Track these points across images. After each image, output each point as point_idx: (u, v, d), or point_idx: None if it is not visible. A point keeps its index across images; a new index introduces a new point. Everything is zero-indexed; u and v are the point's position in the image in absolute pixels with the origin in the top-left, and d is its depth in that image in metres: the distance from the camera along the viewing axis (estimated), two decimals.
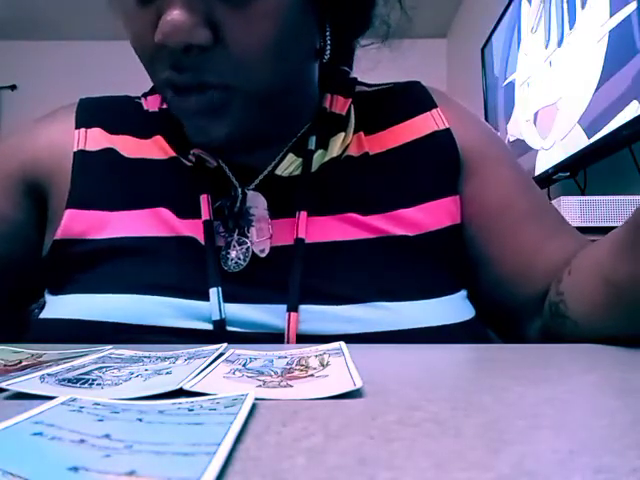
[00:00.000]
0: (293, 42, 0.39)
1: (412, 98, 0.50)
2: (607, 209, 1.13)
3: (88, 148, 0.47)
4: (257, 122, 0.42)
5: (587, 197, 1.16)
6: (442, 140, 0.47)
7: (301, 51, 0.42)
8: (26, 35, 3.38)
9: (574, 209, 1.13)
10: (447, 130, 0.47)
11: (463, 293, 0.45)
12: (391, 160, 0.47)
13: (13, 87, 3.43)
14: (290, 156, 0.44)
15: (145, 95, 0.51)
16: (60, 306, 0.42)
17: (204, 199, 0.43)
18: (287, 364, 0.26)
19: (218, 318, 0.38)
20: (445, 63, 3.35)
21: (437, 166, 0.47)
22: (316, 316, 0.39)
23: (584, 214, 1.13)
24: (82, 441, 0.14)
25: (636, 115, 1.03)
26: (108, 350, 0.30)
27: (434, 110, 0.48)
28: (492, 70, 1.98)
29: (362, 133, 0.48)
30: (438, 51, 3.34)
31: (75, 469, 0.12)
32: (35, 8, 3.06)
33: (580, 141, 1.26)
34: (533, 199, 0.48)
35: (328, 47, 0.44)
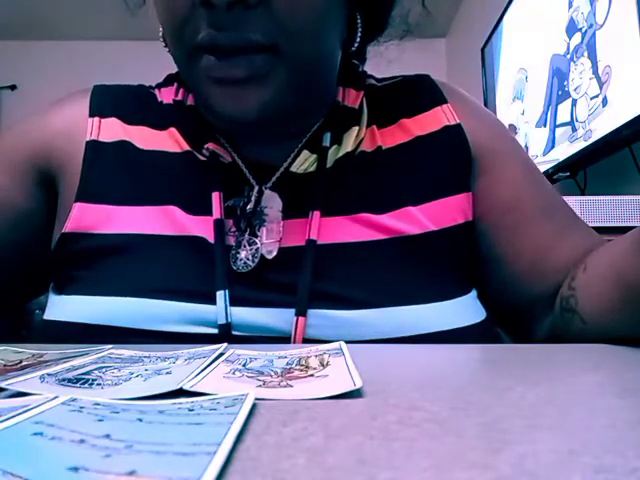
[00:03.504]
0: (329, 19, 0.39)
1: (422, 92, 0.49)
2: (607, 209, 1.13)
3: (102, 139, 0.46)
4: (292, 100, 0.40)
5: (587, 197, 1.16)
6: (454, 135, 0.47)
7: (333, 32, 0.41)
8: (26, 35, 3.38)
9: (574, 209, 1.13)
10: (458, 125, 0.47)
11: (474, 293, 0.44)
12: (403, 155, 0.46)
13: (13, 87, 3.43)
14: (305, 153, 0.44)
15: (159, 86, 0.50)
16: (65, 307, 0.41)
17: (216, 197, 0.42)
18: (287, 364, 0.26)
19: (224, 322, 0.38)
20: (445, 63, 3.34)
21: (450, 162, 0.46)
22: (325, 321, 0.38)
23: (584, 214, 1.13)
24: (82, 441, 0.14)
25: (636, 115, 1.03)
26: (108, 350, 0.30)
27: (445, 105, 0.48)
28: (492, 70, 1.98)
29: (375, 127, 0.47)
30: (438, 51, 3.34)
31: (75, 469, 0.12)
32: (35, 8, 3.06)
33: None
34: (545, 196, 0.47)
35: (358, 38, 0.44)
